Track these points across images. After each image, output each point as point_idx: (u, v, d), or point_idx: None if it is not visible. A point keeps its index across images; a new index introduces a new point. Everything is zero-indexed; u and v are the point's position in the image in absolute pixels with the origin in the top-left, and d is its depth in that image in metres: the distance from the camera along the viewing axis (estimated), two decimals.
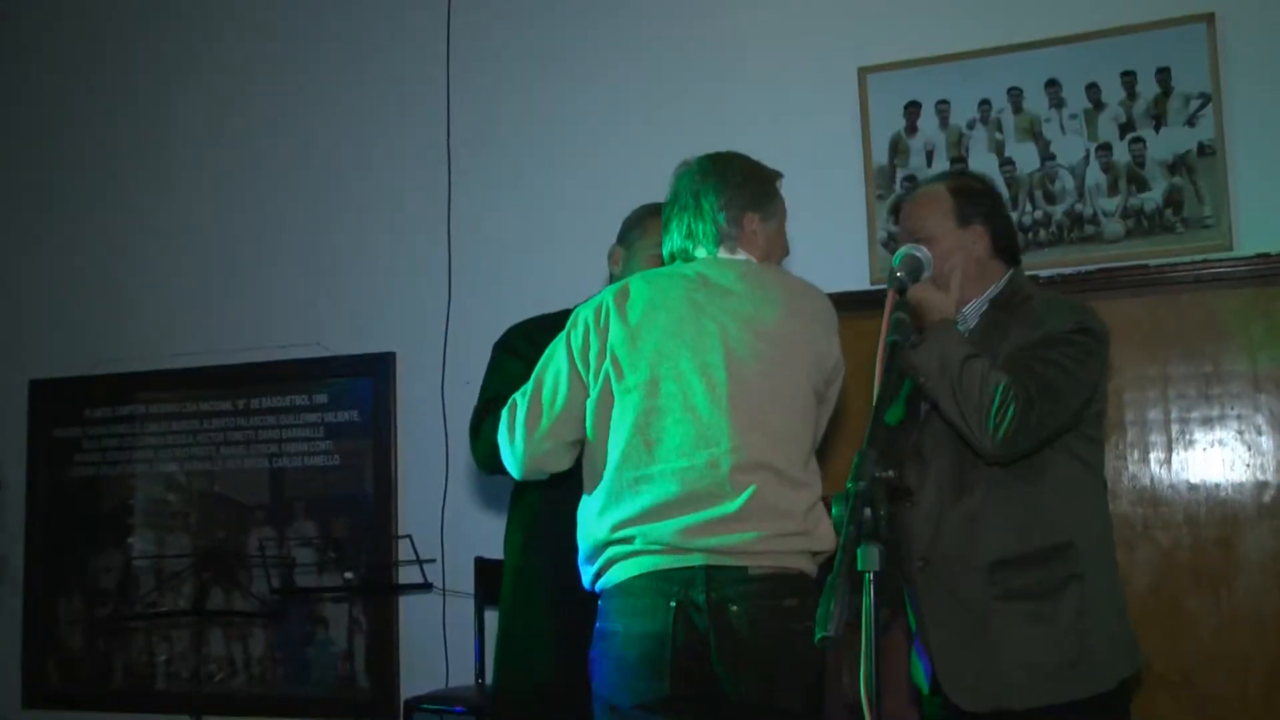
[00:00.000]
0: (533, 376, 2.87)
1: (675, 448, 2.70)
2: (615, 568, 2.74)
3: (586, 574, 2.82)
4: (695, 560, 2.67)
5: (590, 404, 2.79)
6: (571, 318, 2.88)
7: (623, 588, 2.73)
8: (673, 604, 2.65)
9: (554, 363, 2.84)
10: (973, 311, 2.97)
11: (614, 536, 2.72)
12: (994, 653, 2.79)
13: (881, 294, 2.52)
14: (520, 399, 2.86)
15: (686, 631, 2.65)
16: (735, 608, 2.65)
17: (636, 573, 2.71)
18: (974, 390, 2.69)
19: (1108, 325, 2.89)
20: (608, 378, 2.76)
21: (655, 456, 2.71)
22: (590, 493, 2.82)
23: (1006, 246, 3.02)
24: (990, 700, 2.81)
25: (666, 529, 2.68)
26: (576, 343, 2.81)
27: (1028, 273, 4.29)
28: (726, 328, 2.76)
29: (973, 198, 3.01)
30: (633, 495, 2.71)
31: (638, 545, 2.70)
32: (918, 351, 2.74)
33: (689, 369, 2.73)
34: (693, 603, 2.65)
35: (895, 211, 3.28)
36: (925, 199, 3.03)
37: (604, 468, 2.77)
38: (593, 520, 2.78)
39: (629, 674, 2.68)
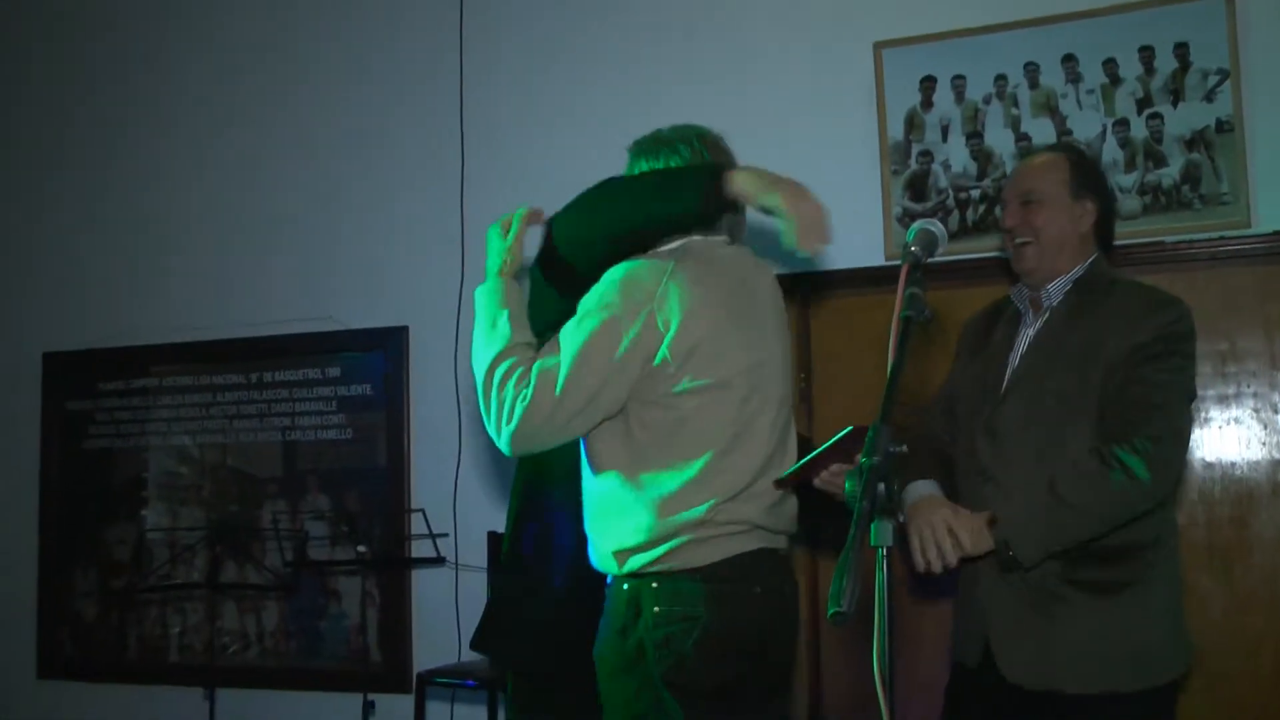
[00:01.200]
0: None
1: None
2: (707, 547, 2.63)
3: (644, 555, 2.65)
4: (780, 544, 2.74)
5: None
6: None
7: (715, 569, 2.63)
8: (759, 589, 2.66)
9: None
10: (1057, 289, 3.01)
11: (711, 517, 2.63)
12: (1056, 636, 2.83)
13: (896, 269, 2.51)
14: None
15: (782, 613, 2.72)
16: (790, 589, 2.75)
17: (737, 552, 2.65)
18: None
19: (1189, 309, 2.96)
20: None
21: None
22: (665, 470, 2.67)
23: (1105, 232, 3.09)
24: (1044, 680, 2.84)
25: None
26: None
27: None
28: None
29: (1089, 174, 3.10)
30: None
31: (735, 526, 2.64)
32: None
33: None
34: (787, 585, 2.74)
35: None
36: (1044, 162, 3.09)
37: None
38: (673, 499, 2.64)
39: (730, 657, 2.61)
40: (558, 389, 2.57)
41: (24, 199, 5.84)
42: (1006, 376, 3.01)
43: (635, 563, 2.63)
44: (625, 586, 2.65)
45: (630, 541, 2.63)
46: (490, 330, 2.73)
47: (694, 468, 2.61)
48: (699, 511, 2.59)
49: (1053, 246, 2.99)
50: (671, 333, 2.59)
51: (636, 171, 2.94)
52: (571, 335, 2.61)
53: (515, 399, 2.59)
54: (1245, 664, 4.04)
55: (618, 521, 2.65)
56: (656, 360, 2.60)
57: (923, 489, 2.95)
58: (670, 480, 2.62)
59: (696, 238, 2.79)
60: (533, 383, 2.58)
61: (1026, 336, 3.04)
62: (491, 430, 2.67)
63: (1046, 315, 3.01)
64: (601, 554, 2.71)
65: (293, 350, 5.27)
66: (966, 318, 3.34)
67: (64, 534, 5.58)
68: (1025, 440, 2.90)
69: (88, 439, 5.60)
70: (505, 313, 2.75)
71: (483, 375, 2.68)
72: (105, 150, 5.70)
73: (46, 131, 5.83)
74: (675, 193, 2.76)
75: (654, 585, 2.60)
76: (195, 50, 5.59)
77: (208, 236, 5.49)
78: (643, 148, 2.96)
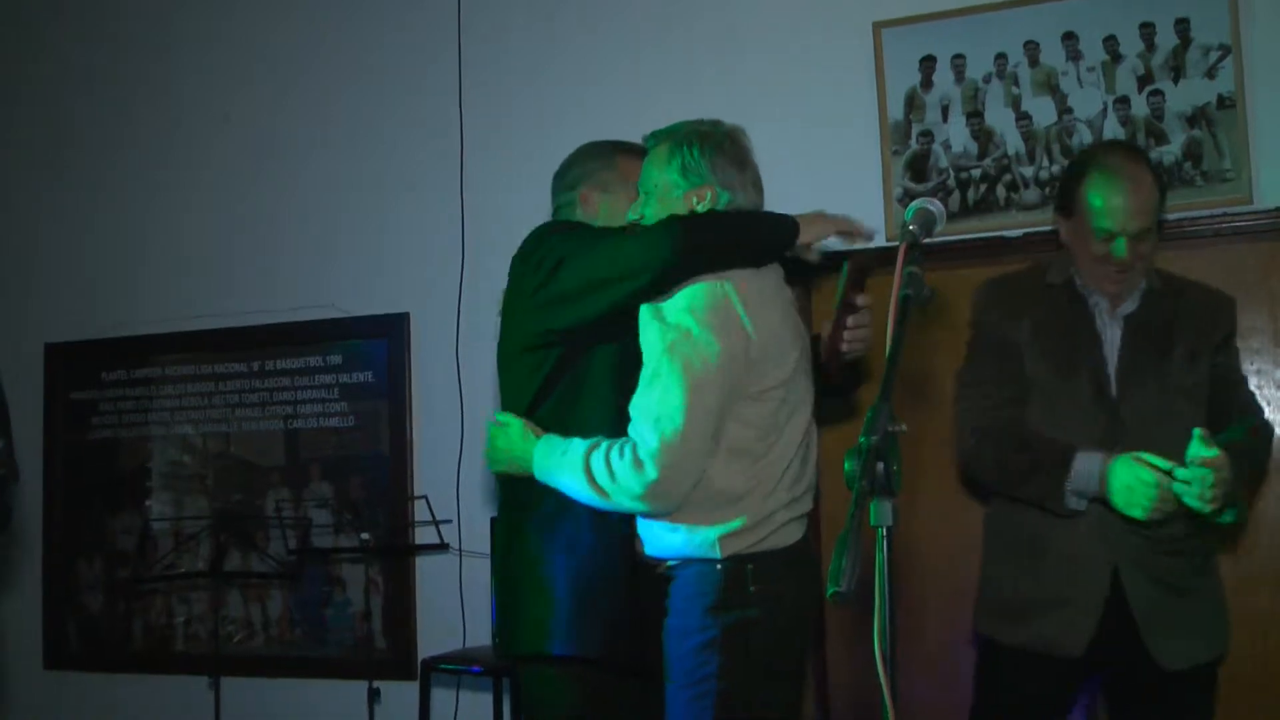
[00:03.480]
0: None
1: None
2: (787, 529, 2.85)
3: (745, 538, 2.80)
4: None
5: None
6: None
7: (794, 549, 2.86)
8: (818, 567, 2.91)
9: None
10: (1137, 293, 3.16)
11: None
12: (1192, 612, 3.04)
13: (897, 250, 2.50)
14: None
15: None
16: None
17: (800, 536, 2.88)
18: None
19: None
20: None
21: None
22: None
23: None
24: (1186, 658, 3.02)
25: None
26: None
27: (1045, 228, 4.29)
28: None
29: (1165, 190, 3.21)
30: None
31: (797, 510, 2.87)
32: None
33: None
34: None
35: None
36: (1151, 190, 3.12)
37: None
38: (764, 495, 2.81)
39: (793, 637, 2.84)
40: (680, 420, 2.68)
41: (26, 190, 5.83)
42: (1112, 377, 3.10)
43: (735, 545, 2.76)
44: (719, 568, 2.76)
45: (734, 525, 2.75)
46: (563, 457, 2.85)
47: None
48: (783, 498, 2.81)
49: (1145, 270, 3.16)
50: (752, 336, 2.73)
51: (662, 164, 2.99)
52: (665, 371, 2.71)
53: (632, 456, 2.71)
54: (1253, 644, 4.01)
55: (721, 509, 2.77)
56: (747, 363, 2.74)
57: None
58: (769, 469, 2.79)
59: None
60: (648, 432, 2.70)
61: (1114, 335, 3.14)
62: (627, 501, 2.75)
63: (1131, 312, 3.15)
64: (694, 540, 2.78)
65: (294, 338, 5.26)
66: (987, 297, 3.36)
67: (69, 525, 5.58)
68: (1161, 436, 2.97)
69: (91, 429, 5.60)
70: (566, 441, 2.87)
71: (584, 480, 2.78)
72: (107, 141, 5.68)
73: (49, 123, 5.82)
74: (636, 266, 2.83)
75: (750, 566, 2.75)
76: (198, 42, 5.56)
77: (209, 226, 5.48)
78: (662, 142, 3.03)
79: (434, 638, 4.88)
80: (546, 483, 2.88)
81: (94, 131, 5.71)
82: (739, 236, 2.86)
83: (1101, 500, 2.96)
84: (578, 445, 2.82)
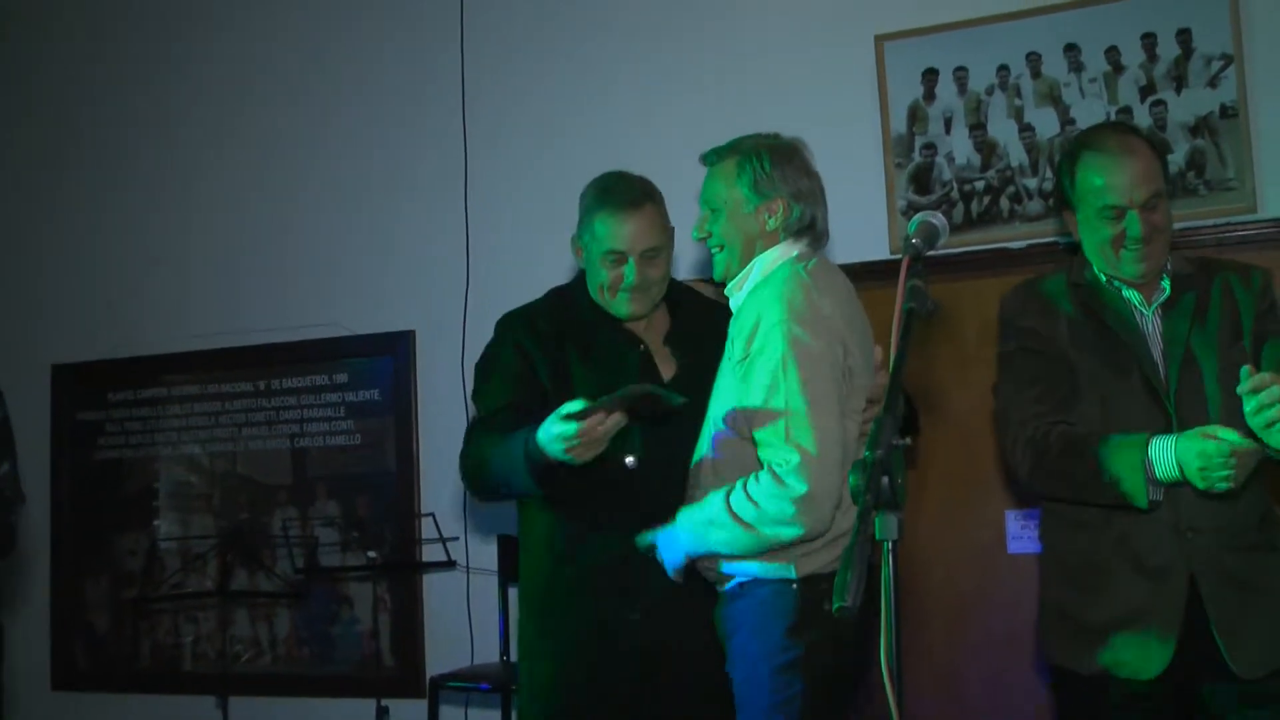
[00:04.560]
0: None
1: None
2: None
3: (820, 558, 2.76)
4: None
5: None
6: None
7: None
8: None
9: None
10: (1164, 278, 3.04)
11: None
12: (1269, 612, 2.85)
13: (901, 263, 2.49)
14: None
15: None
16: None
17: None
18: None
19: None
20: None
21: None
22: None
23: None
24: (1265, 665, 2.83)
25: None
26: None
27: (1046, 239, 4.28)
28: None
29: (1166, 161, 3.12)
30: None
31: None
32: None
33: None
34: None
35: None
36: (1148, 156, 3.00)
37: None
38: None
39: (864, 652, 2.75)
40: (813, 442, 2.63)
41: (30, 211, 5.84)
42: (1160, 366, 2.96)
43: (812, 565, 2.71)
44: (795, 587, 2.70)
45: (815, 545, 2.70)
46: (702, 513, 2.77)
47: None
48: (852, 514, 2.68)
49: (1166, 243, 3.00)
50: (846, 345, 2.74)
51: (729, 179, 2.96)
52: (784, 384, 2.66)
53: (771, 478, 2.65)
54: None
55: None
56: (845, 372, 2.75)
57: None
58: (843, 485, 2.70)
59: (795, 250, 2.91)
60: (782, 449, 2.62)
61: (1154, 326, 3.01)
62: (779, 529, 2.65)
63: (1164, 300, 3.01)
64: (773, 561, 2.73)
65: (300, 357, 5.27)
66: (1018, 304, 3.23)
67: (76, 545, 5.58)
68: (1220, 417, 2.84)
69: (98, 450, 5.60)
70: (699, 505, 2.79)
71: (731, 523, 2.71)
72: (111, 162, 5.70)
73: (52, 144, 5.83)
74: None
75: (822, 586, 2.65)
76: (200, 62, 5.58)
77: (213, 246, 5.49)
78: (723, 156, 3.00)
79: (442, 655, 4.87)
80: (703, 554, 2.79)
81: (98, 154, 5.72)
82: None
83: (1177, 485, 2.80)
84: (713, 497, 2.75)
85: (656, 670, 2.98)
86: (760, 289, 2.85)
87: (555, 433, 2.68)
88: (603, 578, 3.00)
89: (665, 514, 2.87)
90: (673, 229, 3.18)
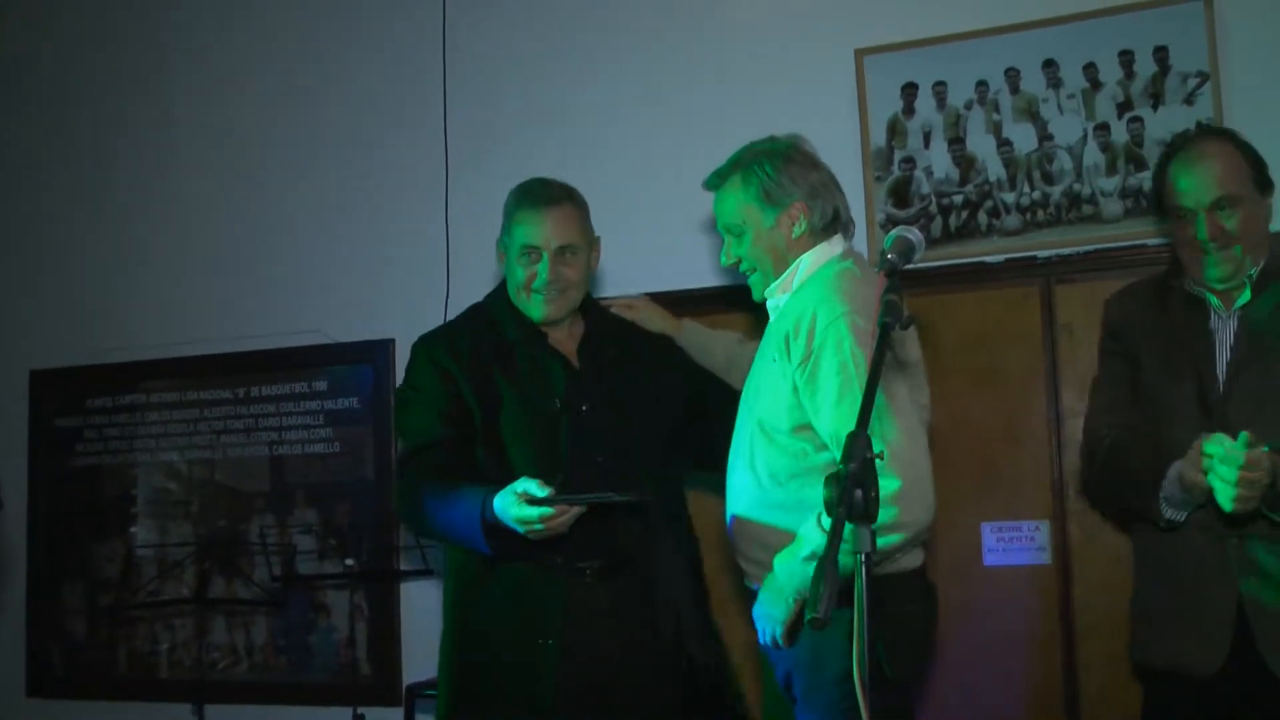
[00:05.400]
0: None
1: None
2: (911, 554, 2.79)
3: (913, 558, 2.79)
4: None
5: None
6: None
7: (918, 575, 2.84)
8: None
9: None
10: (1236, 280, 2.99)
11: None
12: None
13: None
14: None
15: None
16: None
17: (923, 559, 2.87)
18: None
19: None
20: None
21: None
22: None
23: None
24: None
25: None
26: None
27: (1024, 254, 4.30)
28: None
29: (1262, 165, 3.03)
30: None
31: None
32: None
33: None
34: None
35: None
36: (1229, 160, 2.97)
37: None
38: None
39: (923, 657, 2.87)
40: (898, 433, 2.61)
41: (11, 216, 5.83)
42: (1220, 376, 2.94)
43: (904, 564, 2.75)
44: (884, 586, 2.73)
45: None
46: (797, 547, 2.70)
47: None
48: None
49: (1250, 248, 2.95)
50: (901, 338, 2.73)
51: (738, 196, 2.95)
52: (854, 382, 2.61)
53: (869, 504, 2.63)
54: None
55: None
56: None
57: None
58: None
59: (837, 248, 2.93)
60: (890, 474, 2.50)
61: (1228, 332, 2.98)
62: (883, 539, 2.53)
63: (1245, 304, 2.97)
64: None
65: (279, 364, 5.26)
66: (1115, 309, 3.21)
67: (53, 551, 5.56)
68: (1270, 430, 2.75)
69: (76, 456, 5.59)
70: (791, 554, 2.71)
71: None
72: (93, 168, 5.68)
73: (34, 149, 5.82)
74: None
75: (886, 588, 2.65)
76: (181, 72, 5.58)
77: (192, 253, 5.48)
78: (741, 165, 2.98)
79: (419, 663, 4.85)
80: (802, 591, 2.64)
81: (79, 159, 5.71)
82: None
83: (1203, 505, 2.80)
84: (805, 531, 2.67)
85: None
86: (807, 287, 2.84)
87: (515, 515, 2.67)
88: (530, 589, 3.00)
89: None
90: (597, 239, 3.20)
